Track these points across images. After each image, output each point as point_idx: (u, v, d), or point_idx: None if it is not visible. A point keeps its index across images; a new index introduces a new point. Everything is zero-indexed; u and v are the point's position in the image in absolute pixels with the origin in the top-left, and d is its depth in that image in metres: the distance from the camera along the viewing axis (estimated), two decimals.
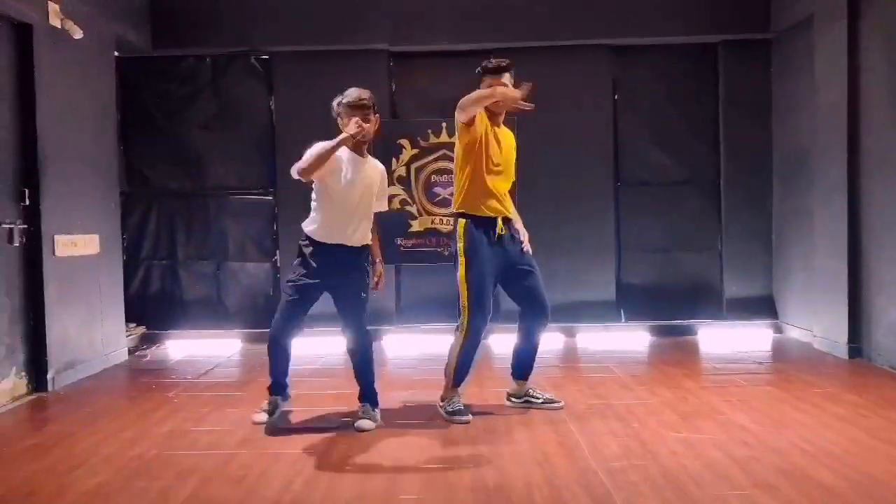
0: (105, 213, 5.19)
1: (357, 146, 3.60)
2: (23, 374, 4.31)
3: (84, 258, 4.87)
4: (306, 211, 5.79)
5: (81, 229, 4.83)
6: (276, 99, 6.02)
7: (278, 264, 6.10)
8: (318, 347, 5.59)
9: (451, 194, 5.86)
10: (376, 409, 3.69)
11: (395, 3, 5.88)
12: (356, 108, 3.52)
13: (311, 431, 3.56)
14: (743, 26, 5.92)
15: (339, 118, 3.61)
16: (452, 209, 3.76)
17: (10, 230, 4.23)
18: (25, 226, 4.35)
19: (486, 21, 5.90)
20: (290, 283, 3.66)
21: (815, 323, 5.37)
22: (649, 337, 5.93)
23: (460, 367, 3.70)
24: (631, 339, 5.87)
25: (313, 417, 3.81)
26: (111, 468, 3.05)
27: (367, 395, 3.73)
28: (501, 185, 3.68)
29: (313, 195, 3.65)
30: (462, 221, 3.64)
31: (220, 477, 2.94)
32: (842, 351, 4.97)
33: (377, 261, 3.79)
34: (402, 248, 5.90)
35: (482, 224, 3.62)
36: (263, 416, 3.67)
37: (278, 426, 3.62)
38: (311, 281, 3.59)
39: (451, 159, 5.93)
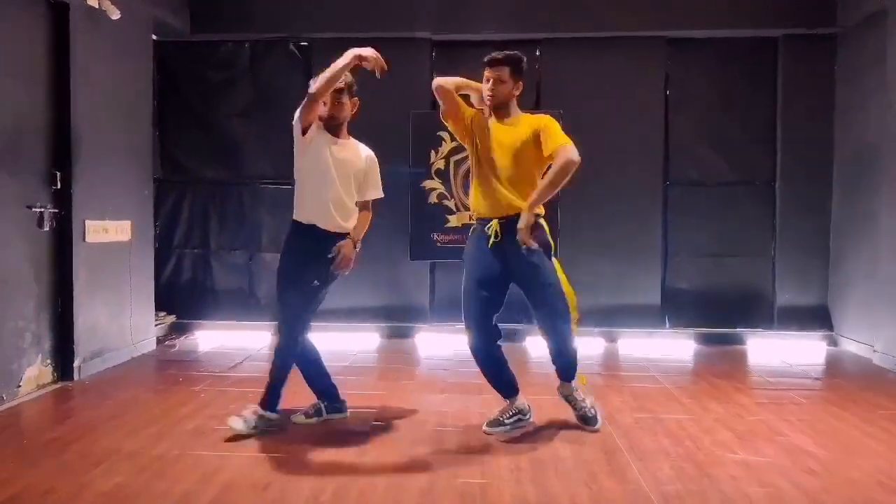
0: (138, 200, 5.08)
1: (331, 127, 3.46)
2: (48, 361, 4.21)
3: (115, 245, 4.76)
4: None
5: (113, 215, 4.72)
6: None
7: None
8: (348, 344, 5.45)
9: None
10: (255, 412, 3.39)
11: None
12: (339, 90, 3.43)
13: (340, 435, 3.37)
14: (807, 20, 5.58)
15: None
16: None
17: (41, 214, 4.12)
18: (56, 210, 4.24)
19: (533, 10, 5.66)
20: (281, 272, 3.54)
21: (877, 337, 5.03)
22: (694, 345, 5.65)
23: (487, 378, 3.50)
24: (675, 346, 5.59)
25: (341, 419, 3.63)
26: (132, 468, 2.92)
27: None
28: (500, 184, 3.32)
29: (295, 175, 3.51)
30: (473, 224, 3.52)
31: (243, 482, 2.78)
32: None
33: (350, 240, 3.47)
34: (438, 244, 5.70)
35: (479, 227, 3.42)
36: (302, 418, 3.56)
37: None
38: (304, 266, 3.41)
39: None
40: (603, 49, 5.70)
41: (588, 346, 5.50)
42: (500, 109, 3.41)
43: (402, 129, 5.67)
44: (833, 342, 5.64)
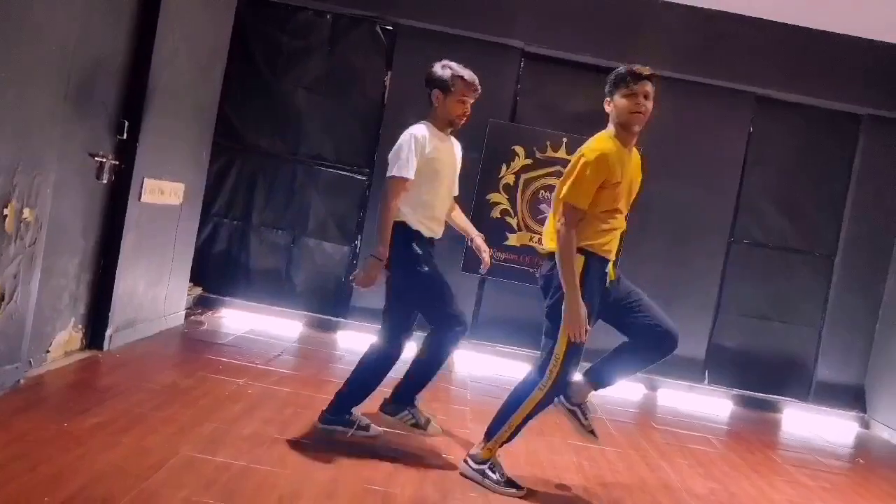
0: (195, 162, 4.73)
1: (445, 127, 3.23)
2: (80, 327, 3.84)
3: (166, 208, 4.40)
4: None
5: (171, 175, 4.36)
6: (393, 74, 5.53)
7: (357, 250, 5.63)
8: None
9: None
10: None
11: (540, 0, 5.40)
12: (472, 90, 3.16)
13: (410, 460, 3.11)
14: (891, 104, 5.49)
15: (439, 91, 3.15)
16: None
17: (101, 164, 3.74)
18: (116, 162, 3.87)
19: (631, 40, 5.41)
20: (430, 283, 3.21)
21: None
22: (731, 405, 5.53)
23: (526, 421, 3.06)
24: (714, 403, 5.49)
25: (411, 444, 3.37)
26: (197, 480, 2.60)
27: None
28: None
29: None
30: None
31: None
32: None
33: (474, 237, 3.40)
34: (492, 260, 5.43)
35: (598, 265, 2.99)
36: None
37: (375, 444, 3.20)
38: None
39: (555, 175, 5.56)
40: (694, 94, 5.51)
41: (629, 391, 5.35)
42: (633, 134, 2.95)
43: (478, 137, 5.36)
44: (865, 424, 5.58)
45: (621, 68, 2.93)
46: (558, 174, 5.30)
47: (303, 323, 5.45)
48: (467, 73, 3.15)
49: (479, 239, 3.41)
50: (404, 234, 3.14)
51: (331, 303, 5.59)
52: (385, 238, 3.10)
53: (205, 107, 4.73)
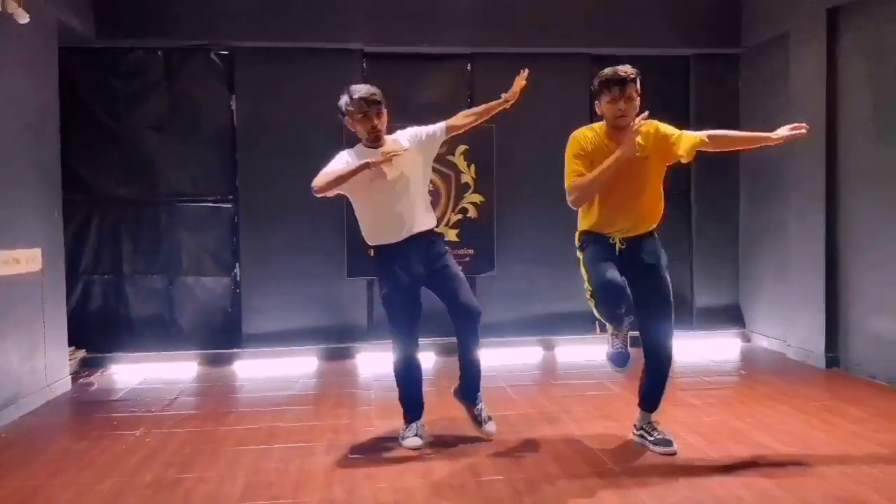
0: (48, 224, 4.56)
1: (372, 143, 3.44)
2: None
3: (25, 277, 4.24)
4: (271, 219, 5.49)
5: (23, 242, 4.21)
6: (238, 98, 5.52)
7: (238, 278, 5.59)
8: (287, 369, 5.19)
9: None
10: None
11: (371, 0, 5.53)
12: (370, 102, 3.36)
13: (318, 474, 3.19)
14: (714, 41, 5.99)
15: (345, 117, 3.43)
16: None
17: None
18: None
19: (465, 25, 5.65)
20: (385, 298, 3.47)
21: (790, 333, 5.47)
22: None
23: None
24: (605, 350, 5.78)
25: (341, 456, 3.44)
26: None
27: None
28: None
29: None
30: None
31: None
32: (817, 360, 5.08)
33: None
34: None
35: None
36: (417, 441, 3.47)
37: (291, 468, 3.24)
38: (404, 286, 3.42)
39: None
40: (532, 64, 5.78)
41: (530, 355, 5.60)
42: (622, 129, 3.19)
43: (335, 139, 5.43)
44: (746, 338, 6.08)
45: (605, 72, 3.18)
46: None
47: (197, 362, 5.36)
48: (358, 92, 3.34)
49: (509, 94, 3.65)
50: (375, 252, 3.50)
51: (221, 336, 5.54)
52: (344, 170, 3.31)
53: (46, 166, 4.57)
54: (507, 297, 5.83)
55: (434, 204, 5.68)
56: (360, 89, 3.37)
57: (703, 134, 3.27)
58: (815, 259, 5.13)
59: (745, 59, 6.05)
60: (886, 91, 4.58)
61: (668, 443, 3.36)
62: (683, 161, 3.33)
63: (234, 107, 5.55)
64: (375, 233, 3.48)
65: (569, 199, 3.24)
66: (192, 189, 5.56)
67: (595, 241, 3.32)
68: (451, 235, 5.73)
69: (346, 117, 3.42)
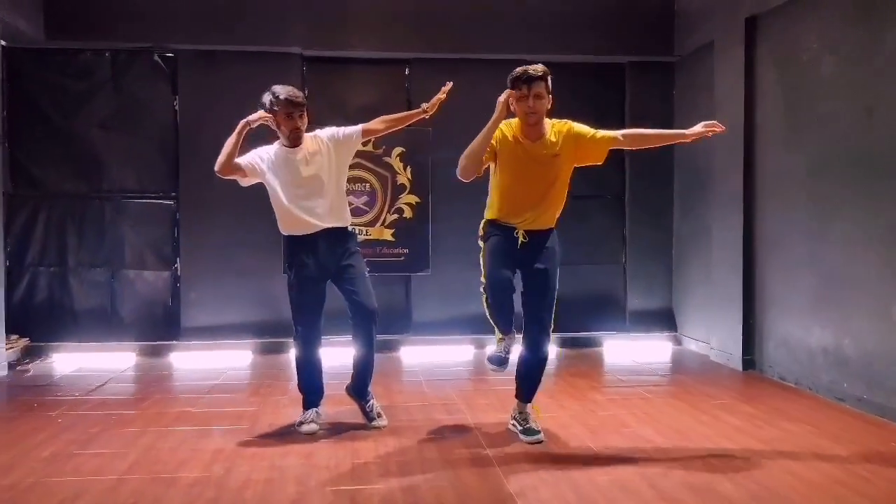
0: None
1: (292, 143, 3.59)
2: None
3: None
4: (210, 217, 5.67)
5: None
6: (181, 99, 5.73)
7: (179, 273, 5.79)
8: (221, 361, 5.36)
9: (365, 204, 5.83)
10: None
11: (310, 5, 5.73)
12: (294, 104, 3.53)
13: (207, 453, 3.35)
14: (648, 49, 6.15)
15: (268, 113, 3.56)
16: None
17: None
18: None
19: (404, 31, 5.85)
20: (291, 287, 3.65)
21: (712, 336, 5.61)
22: (556, 348, 5.99)
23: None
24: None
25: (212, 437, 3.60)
26: None
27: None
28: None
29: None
30: None
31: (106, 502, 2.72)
32: (736, 363, 5.21)
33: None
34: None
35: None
36: (313, 427, 3.64)
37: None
38: (310, 276, 3.59)
39: (363, 168, 5.92)
40: (468, 70, 5.97)
41: (460, 353, 5.75)
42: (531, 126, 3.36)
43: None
44: (678, 341, 6.21)
45: (516, 70, 3.34)
46: (361, 166, 5.72)
47: (135, 353, 5.55)
48: (284, 93, 3.50)
49: (428, 105, 3.78)
50: (286, 242, 3.70)
51: (160, 328, 5.73)
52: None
53: None
54: (440, 297, 5.98)
55: (370, 204, 5.91)
56: (286, 90, 3.51)
57: (617, 133, 3.43)
58: (733, 262, 5.27)
59: (679, 67, 6.21)
60: (795, 98, 4.73)
61: (535, 432, 3.51)
62: (597, 161, 3.48)
63: (177, 107, 5.75)
64: (288, 224, 3.63)
65: (457, 173, 3.41)
66: (136, 185, 5.77)
67: (498, 232, 3.47)
68: (387, 235, 5.90)
69: (272, 115, 3.54)
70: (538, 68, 3.35)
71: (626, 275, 6.33)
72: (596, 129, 3.46)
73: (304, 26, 5.72)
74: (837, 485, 2.92)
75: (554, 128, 3.42)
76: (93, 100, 5.67)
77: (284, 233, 3.68)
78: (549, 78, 3.38)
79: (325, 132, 3.71)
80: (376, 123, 3.77)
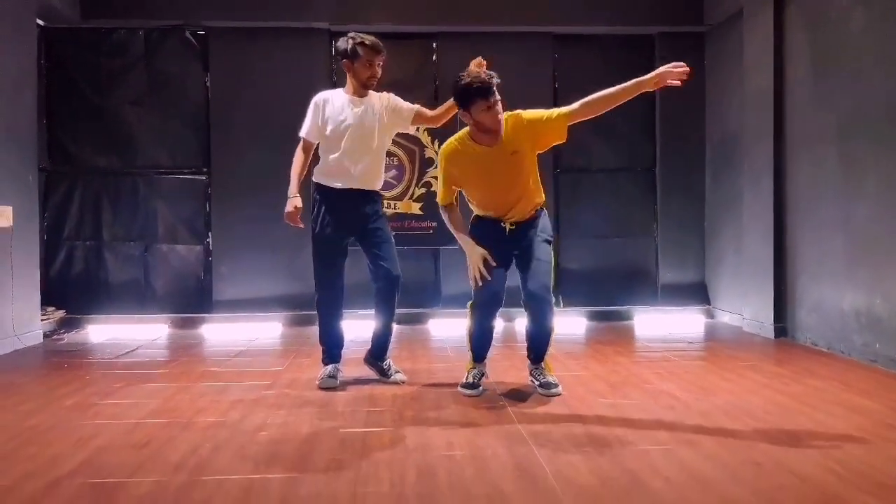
0: (21, 186, 4.93)
1: (360, 90, 3.61)
2: None
3: None
4: (241, 192, 5.77)
5: None
6: (212, 76, 5.85)
7: (210, 247, 5.90)
8: (251, 332, 5.44)
9: (393, 178, 5.84)
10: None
11: None
12: (378, 52, 3.55)
13: (225, 403, 3.39)
14: (678, 19, 6.04)
15: (345, 59, 3.56)
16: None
17: None
18: None
19: (432, 4, 5.86)
20: (315, 239, 3.68)
21: (745, 306, 5.45)
22: (586, 322, 5.94)
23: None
24: (569, 323, 5.85)
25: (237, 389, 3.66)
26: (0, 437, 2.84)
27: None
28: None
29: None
30: None
31: (120, 444, 2.76)
32: (768, 331, 5.05)
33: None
34: None
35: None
36: (333, 382, 3.65)
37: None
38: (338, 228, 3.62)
39: (391, 142, 5.88)
40: (496, 43, 5.96)
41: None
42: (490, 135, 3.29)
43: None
44: (710, 315, 6.07)
45: (472, 81, 3.18)
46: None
47: (168, 325, 5.66)
48: (369, 39, 3.53)
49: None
50: (315, 189, 3.70)
51: (193, 301, 5.85)
52: (291, 185, 3.61)
53: (21, 132, 4.95)
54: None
55: (398, 178, 5.93)
56: (369, 38, 3.53)
57: (574, 106, 3.29)
58: (764, 229, 5.12)
59: (709, 37, 6.08)
60: (825, 57, 4.57)
61: (552, 385, 3.46)
62: (560, 140, 3.37)
63: (208, 84, 5.88)
64: (324, 171, 3.63)
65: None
66: (168, 161, 5.91)
67: (486, 222, 3.48)
68: (415, 209, 5.91)
69: (349, 60, 3.53)
70: (493, 74, 3.24)
71: (658, 248, 6.22)
72: (550, 108, 3.34)
73: (333, 1, 5.78)
74: (862, 432, 2.80)
75: (507, 124, 3.32)
76: (127, 77, 5.84)
77: (317, 179, 3.67)
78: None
79: (389, 95, 3.72)
80: (427, 113, 3.78)
